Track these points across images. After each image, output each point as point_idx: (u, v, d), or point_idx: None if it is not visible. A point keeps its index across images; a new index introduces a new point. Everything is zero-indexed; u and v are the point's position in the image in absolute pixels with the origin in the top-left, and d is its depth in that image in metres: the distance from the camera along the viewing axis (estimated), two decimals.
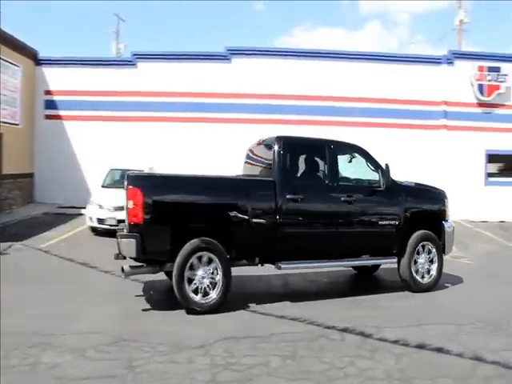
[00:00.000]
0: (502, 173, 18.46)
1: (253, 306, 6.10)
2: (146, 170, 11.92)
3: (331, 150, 7.10)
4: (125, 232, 6.00)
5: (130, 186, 5.88)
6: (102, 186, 13.07)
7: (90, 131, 17.08)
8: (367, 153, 7.40)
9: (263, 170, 7.13)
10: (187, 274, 5.79)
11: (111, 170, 13.60)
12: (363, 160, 7.28)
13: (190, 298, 5.78)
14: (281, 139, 6.74)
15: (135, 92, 17.09)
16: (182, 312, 5.67)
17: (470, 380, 4.00)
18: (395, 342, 4.83)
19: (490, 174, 18.13)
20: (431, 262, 7.34)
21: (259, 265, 6.56)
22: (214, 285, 5.90)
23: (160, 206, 5.95)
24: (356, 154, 7.30)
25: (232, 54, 17.41)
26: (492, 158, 18.15)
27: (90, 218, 11.85)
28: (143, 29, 61.15)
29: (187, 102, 16.92)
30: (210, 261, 5.93)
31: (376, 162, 7.27)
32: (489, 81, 18.05)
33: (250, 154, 7.77)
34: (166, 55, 17.44)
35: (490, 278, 8.41)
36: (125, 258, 6.03)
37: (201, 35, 63.01)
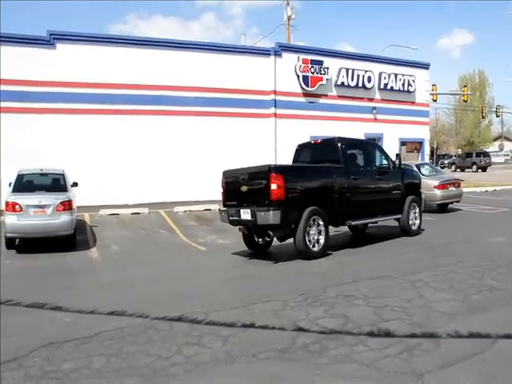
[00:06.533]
0: None
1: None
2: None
3: (368, 145, 11.08)
4: (266, 207, 7.86)
5: (274, 173, 7.84)
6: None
7: None
8: (382, 148, 11.13)
9: (326, 160, 9.60)
10: (306, 231, 8.17)
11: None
12: (380, 152, 10.74)
13: (308, 247, 8.23)
14: (340, 139, 9.60)
15: None
16: None
17: (290, 349, 4.21)
18: (223, 324, 4.90)
19: None
20: (416, 216, 10.72)
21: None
22: (318, 240, 8.42)
23: (292, 187, 8.16)
24: (377, 149, 10.87)
25: (55, 39, 15.90)
26: None
27: None
28: None
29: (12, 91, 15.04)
30: (317, 223, 8.42)
31: (386, 153, 10.72)
32: (312, 73, 19.57)
33: (308, 148, 10.65)
34: None
35: None
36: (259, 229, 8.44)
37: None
